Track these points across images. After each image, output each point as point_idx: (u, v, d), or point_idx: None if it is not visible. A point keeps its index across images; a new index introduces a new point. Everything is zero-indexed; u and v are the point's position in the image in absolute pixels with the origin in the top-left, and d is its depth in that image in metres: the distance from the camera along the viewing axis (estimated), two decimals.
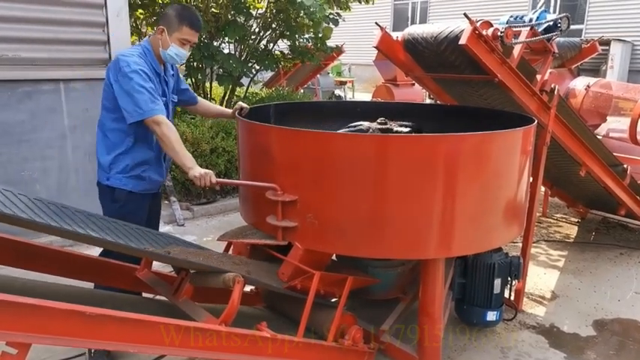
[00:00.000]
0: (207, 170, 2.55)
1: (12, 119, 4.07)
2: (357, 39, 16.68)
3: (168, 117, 2.78)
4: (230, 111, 3.10)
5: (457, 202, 2.30)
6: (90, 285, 2.59)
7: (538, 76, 3.33)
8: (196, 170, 2.53)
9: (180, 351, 1.84)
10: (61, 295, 2.07)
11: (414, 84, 9.70)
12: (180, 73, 3.08)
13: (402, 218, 2.28)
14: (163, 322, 1.77)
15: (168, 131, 2.54)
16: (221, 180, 2.65)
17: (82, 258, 2.38)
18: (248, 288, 2.80)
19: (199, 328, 1.90)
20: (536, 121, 2.71)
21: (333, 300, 3.00)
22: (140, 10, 6.05)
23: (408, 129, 2.90)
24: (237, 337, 2.02)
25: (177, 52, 2.66)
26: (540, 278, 3.92)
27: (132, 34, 5.56)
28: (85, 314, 1.55)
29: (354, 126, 2.92)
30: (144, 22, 6.41)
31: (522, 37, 3.15)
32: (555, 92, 3.32)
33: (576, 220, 5.36)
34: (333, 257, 2.82)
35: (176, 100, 2.99)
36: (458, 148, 2.29)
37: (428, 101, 9.47)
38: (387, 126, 2.92)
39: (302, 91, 10.83)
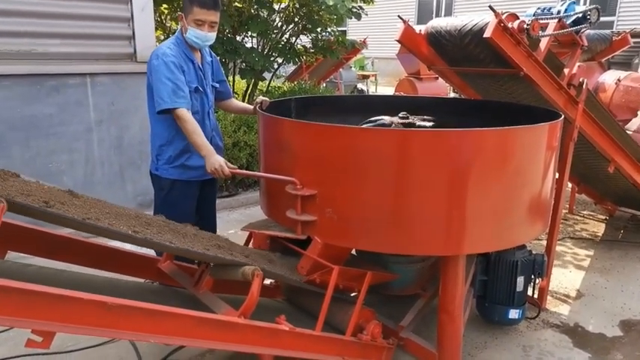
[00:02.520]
0: (220, 161, 2.64)
1: (40, 113, 4.18)
2: (380, 32, 16.54)
3: (206, 105, 2.83)
4: (252, 107, 3.12)
5: (480, 198, 2.26)
6: (114, 275, 2.64)
7: (566, 70, 3.25)
8: (210, 162, 2.64)
9: (199, 342, 1.86)
10: (93, 286, 2.13)
11: (437, 78, 9.57)
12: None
13: (423, 214, 2.25)
14: (183, 314, 1.79)
15: (186, 124, 2.65)
16: (241, 171, 2.68)
17: (105, 248, 2.43)
18: (268, 281, 2.82)
19: (219, 320, 1.91)
20: (562, 117, 2.64)
21: (352, 294, 3.00)
22: (164, 5, 6.11)
23: (430, 123, 2.86)
24: (255, 330, 2.04)
25: (195, 34, 2.71)
26: (565, 276, 3.84)
27: (156, 28, 5.63)
28: (107, 304, 1.58)
29: (375, 120, 2.90)
30: (168, 16, 6.48)
31: (550, 30, 3.07)
32: (584, 86, 3.23)
33: (604, 217, 5.23)
34: (353, 252, 2.81)
35: (218, 87, 3.01)
36: (482, 143, 2.25)
37: (452, 95, 9.34)
38: (409, 120, 2.89)
39: (324, 85, 10.81)
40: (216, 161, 2.67)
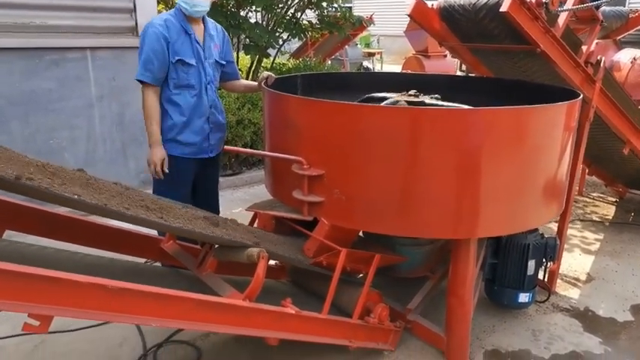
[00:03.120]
0: (157, 158, 2.64)
1: (39, 87, 4.08)
2: (386, 9, 16.22)
3: (203, 80, 2.72)
4: (256, 83, 3.01)
5: (493, 179, 2.18)
6: (115, 255, 2.58)
7: (583, 47, 3.12)
8: (149, 153, 2.67)
9: (203, 326, 1.80)
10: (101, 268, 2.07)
11: (445, 55, 9.38)
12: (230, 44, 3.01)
13: (433, 195, 2.17)
14: (186, 297, 1.73)
15: (144, 103, 2.66)
16: (246, 150, 2.59)
17: (106, 228, 2.36)
18: (272, 262, 2.76)
19: (223, 303, 1.85)
20: (581, 96, 2.53)
21: (359, 276, 2.95)
22: None
23: (442, 102, 2.76)
24: (261, 313, 1.98)
25: (184, 1, 2.62)
26: (575, 259, 3.77)
27: (158, 2, 5.47)
28: (106, 287, 1.52)
29: (380, 98, 2.78)
30: None
31: (569, 5, 2.93)
32: (601, 64, 3.11)
33: (614, 199, 5.14)
34: (360, 233, 2.74)
35: (223, 63, 2.90)
36: (498, 122, 2.15)
37: (459, 74, 9.16)
38: (420, 99, 2.79)
39: (329, 62, 10.61)
40: (154, 156, 2.66)
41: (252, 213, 2.76)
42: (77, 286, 1.46)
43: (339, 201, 2.29)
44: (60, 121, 4.22)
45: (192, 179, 2.88)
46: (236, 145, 5.15)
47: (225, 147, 2.44)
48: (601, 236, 4.22)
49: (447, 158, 2.13)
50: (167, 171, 2.68)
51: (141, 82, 2.64)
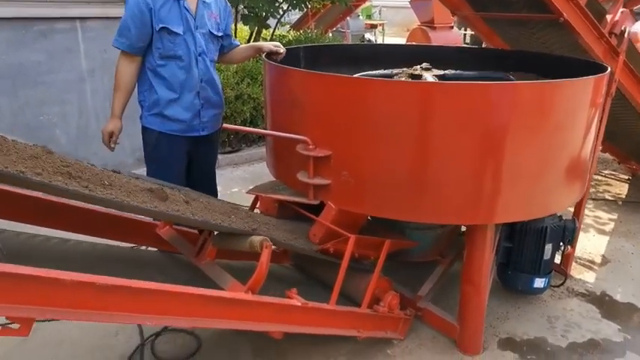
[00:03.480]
0: (107, 130, 2.55)
1: (27, 59, 3.86)
2: None
3: (193, 51, 2.52)
4: (257, 44, 2.76)
5: (516, 160, 2.01)
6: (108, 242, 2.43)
7: (608, 17, 2.90)
8: (106, 125, 2.56)
9: (202, 322, 1.66)
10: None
11: (452, 27, 9.08)
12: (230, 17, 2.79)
13: (450, 178, 2.01)
14: (183, 292, 1.58)
15: (115, 69, 2.50)
16: (246, 128, 2.39)
17: (100, 214, 2.19)
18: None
19: (224, 298, 1.70)
20: (609, 69, 2.34)
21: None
22: None
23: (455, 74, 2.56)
24: (265, 307, 1.84)
25: None
26: (589, 241, 3.63)
27: None
28: (95, 285, 1.36)
29: (391, 73, 2.59)
30: None
31: None
32: (625, 35, 2.91)
33: (627, 177, 4.98)
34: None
35: (220, 35, 2.68)
36: (521, 98, 1.97)
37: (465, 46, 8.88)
38: (434, 73, 2.59)
39: (331, 34, 10.29)
40: (106, 127, 2.57)
41: (253, 196, 2.59)
42: (60, 284, 1.30)
43: (348, 184, 2.12)
44: (50, 95, 4.01)
45: (186, 158, 2.70)
46: (235, 122, 4.95)
47: (225, 125, 2.25)
48: (615, 216, 4.08)
49: (467, 137, 1.96)
50: (113, 145, 2.59)
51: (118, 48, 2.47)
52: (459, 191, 2.02)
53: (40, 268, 1.28)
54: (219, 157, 5.02)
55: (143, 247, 2.47)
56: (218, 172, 4.85)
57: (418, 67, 2.62)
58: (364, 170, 2.08)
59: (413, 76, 2.46)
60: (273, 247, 1.88)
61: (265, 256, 1.81)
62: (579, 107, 2.14)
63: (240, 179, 4.68)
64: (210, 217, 1.82)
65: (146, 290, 1.48)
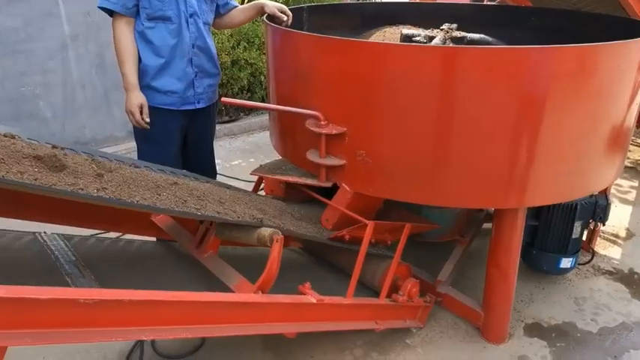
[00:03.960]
0: (134, 104, 2.20)
1: (2, 26, 3.53)
2: None
3: (184, 12, 2.22)
4: (259, 3, 2.45)
5: (552, 136, 1.76)
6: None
7: None
8: (126, 101, 2.23)
9: (207, 330, 1.46)
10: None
11: None
12: None
13: (479, 157, 1.77)
14: (186, 300, 1.37)
15: (114, 37, 2.18)
16: (249, 103, 2.11)
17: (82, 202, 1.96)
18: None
19: (232, 302, 1.50)
20: None
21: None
22: None
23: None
24: (277, 307, 1.64)
25: None
26: (612, 212, 3.42)
27: None
28: (78, 301, 1.15)
29: (412, 36, 2.31)
30: None
31: None
32: None
33: None
34: None
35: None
36: (562, 64, 1.71)
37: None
38: (456, 34, 2.31)
39: None
40: (130, 102, 2.21)
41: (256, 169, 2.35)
42: (36, 304, 1.09)
43: (364, 164, 1.89)
44: (30, 64, 3.70)
45: (181, 136, 2.44)
46: (232, 89, 4.66)
47: (224, 99, 1.99)
48: (635, 183, 3.87)
49: (501, 110, 1.71)
50: (148, 120, 2.25)
51: (107, 11, 2.16)
52: (490, 172, 1.79)
53: (10, 286, 1.07)
54: (217, 127, 4.72)
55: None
56: (216, 143, 4.60)
57: (443, 27, 2.33)
58: (383, 149, 1.84)
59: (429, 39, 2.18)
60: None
61: (276, 251, 1.59)
62: (626, 73, 1.88)
63: (239, 151, 4.43)
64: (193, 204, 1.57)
65: (139, 302, 1.27)
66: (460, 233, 2.73)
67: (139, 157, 2.48)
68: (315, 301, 1.75)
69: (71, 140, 4.00)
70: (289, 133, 2.19)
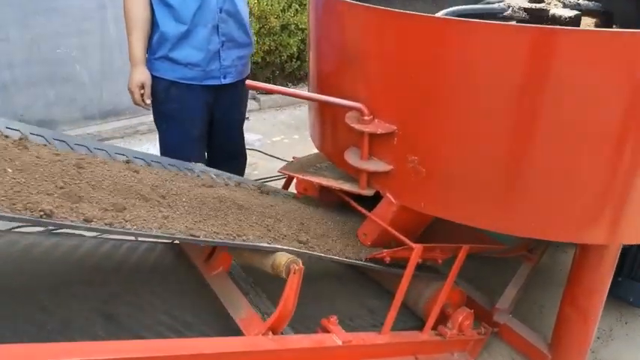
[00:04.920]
0: (135, 82, 1.97)
1: None
2: None
3: None
4: None
5: None
6: None
7: None
8: (129, 78, 2.01)
9: None
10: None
11: None
12: None
13: (569, 174, 1.33)
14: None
15: (124, 3, 1.98)
16: (276, 88, 1.73)
17: None
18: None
19: (237, 352, 1.18)
20: None
21: None
22: None
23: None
24: (293, 353, 1.31)
25: None
26: None
27: None
28: None
29: (493, 11, 1.81)
30: None
31: None
32: None
33: None
34: None
35: None
36: None
37: None
38: (543, 5, 1.80)
39: None
40: (131, 80, 1.98)
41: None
42: None
43: (416, 173, 1.49)
44: (66, 24, 3.48)
45: (205, 115, 2.15)
46: (280, 57, 4.29)
47: (248, 82, 1.63)
48: None
49: (598, 115, 1.25)
50: (148, 101, 2.03)
51: None
52: (580, 196, 1.35)
53: None
54: (262, 97, 4.42)
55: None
56: (259, 116, 4.30)
57: None
58: (442, 156, 1.44)
59: (532, 15, 1.69)
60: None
61: (293, 285, 1.26)
62: None
63: (283, 125, 4.10)
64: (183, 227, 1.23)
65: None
66: (528, 248, 2.28)
67: (160, 139, 2.21)
68: (341, 344, 1.41)
69: (109, 108, 3.81)
70: (327, 124, 1.81)
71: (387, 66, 1.46)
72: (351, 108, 1.53)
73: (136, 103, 2.04)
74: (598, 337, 2.11)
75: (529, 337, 1.95)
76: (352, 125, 1.52)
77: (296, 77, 4.66)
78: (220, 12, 1.98)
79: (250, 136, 3.62)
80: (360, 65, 1.53)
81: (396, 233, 1.58)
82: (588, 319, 1.72)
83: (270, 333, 1.28)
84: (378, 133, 1.49)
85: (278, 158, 3.21)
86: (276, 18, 4.21)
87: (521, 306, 2.15)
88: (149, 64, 2.04)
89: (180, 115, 2.08)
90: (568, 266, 1.77)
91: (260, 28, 4.09)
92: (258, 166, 3.31)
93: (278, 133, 3.96)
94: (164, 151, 2.16)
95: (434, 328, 1.78)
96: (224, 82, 2.09)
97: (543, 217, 1.40)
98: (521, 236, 1.48)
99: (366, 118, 1.50)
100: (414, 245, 1.53)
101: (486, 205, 1.44)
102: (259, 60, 4.25)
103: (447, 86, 1.36)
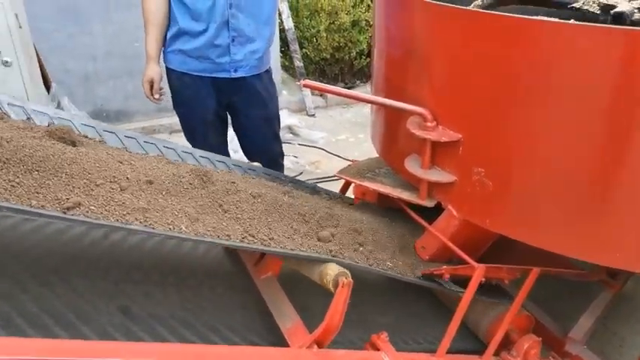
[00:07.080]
0: (148, 77, 2.11)
1: None
2: None
3: None
4: None
5: None
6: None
7: None
8: (143, 74, 2.13)
9: None
10: None
11: None
12: None
13: None
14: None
15: (142, 3, 2.06)
16: (331, 88, 1.64)
17: None
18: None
19: None
20: None
21: None
22: None
23: None
24: None
25: None
26: None
27: None
28: None
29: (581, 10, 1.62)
30: None
31: None
32: None
33: None
34: None
35: None
36: None
37: None
38: None
39: None
40: (143, 76, 2.10)
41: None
42: None
43: (482, 187, 1.36)
44: None
45: (216, 104, 2.23)
46: (349, 53, 4.21)
47: (305, 81, 1.56)
48: None
49: None
50: (157, 96, 2.16)
51: None
52: None
53: None
54: (328, 95, 4.35)
55: None
56: (325, 113, 4.25)
57: None
58: (512, 170, 1.30)
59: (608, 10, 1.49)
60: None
61: (341, 300, 1.19)
62: None
63: (349, 124, 4.02)
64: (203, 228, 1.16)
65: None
66: (610, 274, 2.05)
67: (180, 121, 2.34)
68: None
69: None
70: (387, 128, 1.71)
71: (455, 68, 1.34)
72: (412, 113, 1.42)
73: (146, 95, 2.17)
74: None
75: None
76: (414, 131, 1.42)
77: (365, 74, 4.57)
78: (230, 7, 2.01)
79: (314, 134, 3.59)
80: (426, 67, 1.42)
81: (457, 250, 1.46)
82: None
83: (316, 346, 1.22)
84: (442, 141, 1.37)
85: (341, 157, 3.14)
86: (346, 14, 4.14)
87: (598, 337, 1.94)
88: (164, 56, 2.16)
89: (193, 102, 2.19)
90: None
91: (330, 24, 4.03)
92: (321, 164, 3.26)
93: (343, 131, 3.89)
94: (185, 131, 2.32)
95: (496, 354, 1.64)
96: (234, 75, 2.13)
97: (631, 246, 1.22)
98: (607, 266, 1.32)
99: (429, 124, 1.39)
100: (476, 265, 1.40)
101: (560, 228, 1.29)
102: (328, 56, 4.20)
103: (529, 93, 1.21)
